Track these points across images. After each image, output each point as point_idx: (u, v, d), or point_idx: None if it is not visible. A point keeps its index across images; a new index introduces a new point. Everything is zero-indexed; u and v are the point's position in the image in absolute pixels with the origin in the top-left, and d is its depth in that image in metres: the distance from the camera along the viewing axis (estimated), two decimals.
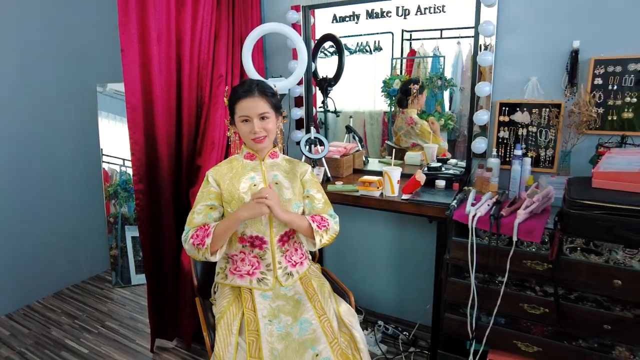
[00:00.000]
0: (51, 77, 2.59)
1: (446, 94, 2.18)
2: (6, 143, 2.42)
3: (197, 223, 1.33)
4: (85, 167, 2.82)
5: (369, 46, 2.31)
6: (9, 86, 2.39)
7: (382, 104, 2.38)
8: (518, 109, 1.82)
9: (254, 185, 1.40)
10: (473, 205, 1.57)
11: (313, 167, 2.08)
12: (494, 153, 1.83)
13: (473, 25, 1.83)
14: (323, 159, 2.12)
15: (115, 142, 2.78)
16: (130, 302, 2.60)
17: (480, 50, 1.82)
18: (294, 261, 1.46)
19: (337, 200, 1.88)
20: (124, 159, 2.80)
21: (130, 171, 2.80)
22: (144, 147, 1.85)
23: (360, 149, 2.37)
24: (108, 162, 2.77)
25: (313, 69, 2.35)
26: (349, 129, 2.41)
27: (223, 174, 1.42)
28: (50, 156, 2.64)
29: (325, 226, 1.39)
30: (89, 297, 2.67)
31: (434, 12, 2.04)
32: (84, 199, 2.84)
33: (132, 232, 2.82)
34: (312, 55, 2.32)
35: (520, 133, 1.83)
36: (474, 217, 1.49)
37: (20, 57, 2.43)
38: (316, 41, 2.35)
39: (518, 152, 1.72)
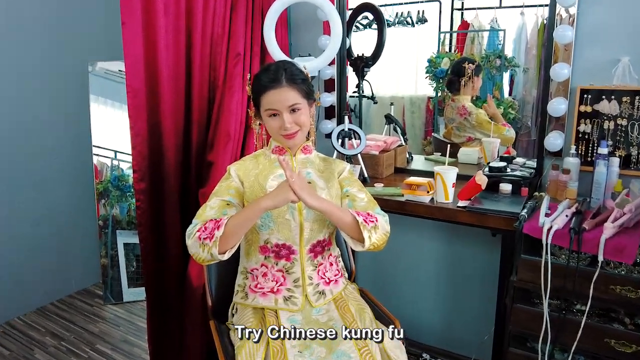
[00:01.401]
0: (34, 55, 2.64)
1: (506, 76, 2.16)
2: None
3: (208, 217, 1.32)
4: (73, 161, 2.88)
5: (410, 17, 2.30)
6: None
7: (426, 88, 2.36)
8: (604, 96, 1.78)
9: None
10: (547, 215, 1.55)
11: None
12: (573, 151, 1.79)
13: None
14: (359, 155, 2.11)
15: (106, 131, 2.82)
16: (124, 322, 2.65)
17: (557, 24, 1.79)
18: (328, 278, 1.46)
19: None
20: (115, 151, 2.85)
21: (123, 166, 2.84)
22: (147, 139, 1.87)
23: (403, 143, 2.36)
24: (98, 155, 2.82)
25: (347, 46, 2.35)
26: (389, 119, 2.40)
27: (248, 169, 1.44)
28: (33, 147, 2.70)
29: (373, 222, 1.34)
30: (76, 315, 2.73)
31: None
32: (72, 198, 2.90)
33: (124, 237, 2.87)
34: (346, 29, 2.31)
35: (606, 127, 1.79)
36: (549, 230, 1.47)
37: None
38: (351, 12, 2.34)
39: (603, 150, 1.69)
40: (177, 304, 2.07)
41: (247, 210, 1.27)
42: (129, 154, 2.61)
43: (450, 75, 2.25)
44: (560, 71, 1.77)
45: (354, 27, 2.42)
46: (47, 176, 2.78)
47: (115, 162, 2.85)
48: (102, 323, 2.65)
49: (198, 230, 1.27)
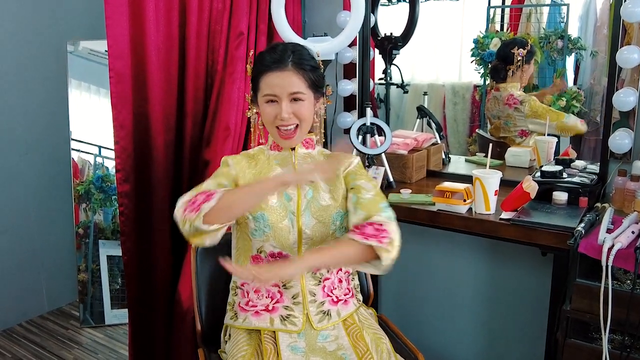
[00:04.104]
0: (5, 32, 2.71)
1: (569, 60, 2.15)
2: None
3: (209, 190, 1.35)
4: (48, 157, 2.95)
5: None
6: None
7: (472, 74, 2.37)
8: None
9: None
10: (609, 231, 1.54)
11: (368, 166, 2.10)
12: None
13: None
14: (383, 155, 2.13)
15: (89, 122, 2.89)
16: (103, 349, 2.72)
17: None
18: (336, 297, 1.50)
19: (404, 216, 1.89)
20: (100, 147, 2.91)
21: (108, 164, 2.90)
22: (132, 133, 1.92)
23: (439, 141, 2.37)
24: (78, 150, 2.89)
25: (372, 23, 2.37)
26: (421, 112, 2.41)
27: (243, 168, 1.49)
28: (1, 140, 2.77)
29: (385, 235, 1.32)
30: (48, 339, 2.80)
31: None
32: (46, 201, 2.98)
33: (108, 249, 2.92)
34: (372, 3, 2.34)
35: None
36: (610, 249, 1.46)
37: None
38: None
39: None
40: (164, 329, 2.13)
41: (256, 186, 1.33)
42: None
43: (496, 60, 2.25)
44: (629, 56, 1.75)
45: (381, 1, 2.45)
46: (16, 175, 2.86)
47: (99, 160, 2.90)
48: (78, 349, 2.71)
49: (187, 202, 1.31)
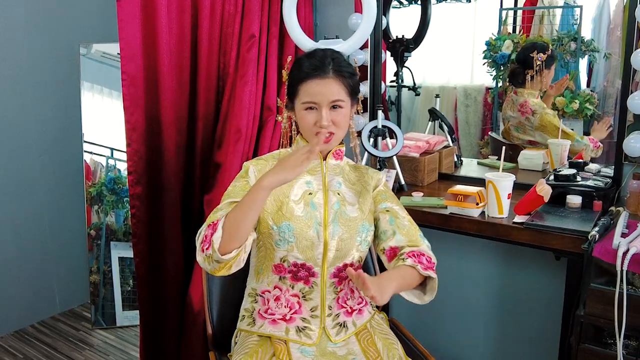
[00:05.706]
0: (15, 33, 2.74)
1: (583, 62, 2.15)
2: None
3: (215, 220, 1.34)
4: (60, 159, 2.98)
5: None
6: None
7: (484, 76, 2.37)
8: None
9: (309, 193, 1.45)
10: (624, 235, 1.54)
11: (379, 169, 2.10)
12: None
13: None
14: (394, 158, 2.13)
15: (101, 124, 2.91)
16: (114, 351, 2.73)
17: None
18: (350, 307, 1.49)
19: (415, 220, 1.87)
20: (112, 149, 2.93)
21: (120, 166, 2.93)
22: (144, 135, 1.94)
23: (451, 144, 2.37)
24: (91, 152, 2.91)
25: (384, 26, 2.37)
26: (433, 114, 2.41)
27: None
28: (14, 143, 2.80)
29: (429, 260, 1.41)
30: (59, 340, 2.82)
31: None
32: (58, 202, 3.00)
33: (119, 250, 2.94)
34: (383, 6, 2.34)
35: None
36: (625, 254, 1.45)
37: None
38: None
39: None
40: (175, 331, 2.14)
41: (246, 196, 1.28)
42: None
43: (515, 64, 2.24)
44: None
45: (393, 3, 2.46)
46: (29, 177, 2.88)
47: (111, 162, 2.92)
48: (89, 350, 2.73)
49: (202, 241, 1.30)
